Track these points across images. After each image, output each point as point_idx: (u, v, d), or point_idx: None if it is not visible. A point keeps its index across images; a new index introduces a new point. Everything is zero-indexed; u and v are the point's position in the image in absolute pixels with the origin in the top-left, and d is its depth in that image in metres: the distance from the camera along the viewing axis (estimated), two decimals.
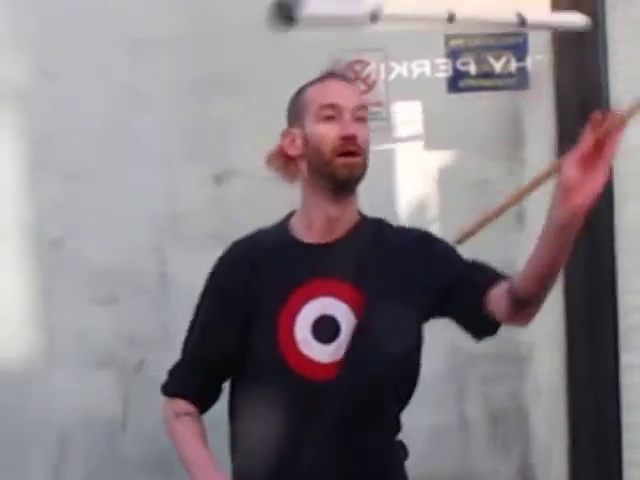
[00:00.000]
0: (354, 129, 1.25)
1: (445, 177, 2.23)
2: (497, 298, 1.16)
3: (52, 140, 2.15)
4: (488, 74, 2.17)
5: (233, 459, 1.33)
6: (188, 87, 2.17)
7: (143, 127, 2.14)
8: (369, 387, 1.24)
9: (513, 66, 2.19)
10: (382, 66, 2.18)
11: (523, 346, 2.18)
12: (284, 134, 1.34)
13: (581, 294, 2.20)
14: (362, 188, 2.03)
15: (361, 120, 1.29)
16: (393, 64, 2.16)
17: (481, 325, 1.24)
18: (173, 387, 1.33)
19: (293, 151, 1.30)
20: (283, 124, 2.00)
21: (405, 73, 2.19)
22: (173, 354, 1.99)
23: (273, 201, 2.04)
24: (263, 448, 1.29)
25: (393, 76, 2.18)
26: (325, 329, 1.25)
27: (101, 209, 2.16)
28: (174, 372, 1.36)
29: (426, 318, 1.32)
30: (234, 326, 1.27)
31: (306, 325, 1.27)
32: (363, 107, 1.33)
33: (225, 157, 2.17)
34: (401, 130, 2.23)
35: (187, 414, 1.31)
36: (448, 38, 2.15)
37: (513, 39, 2.16)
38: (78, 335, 2.16)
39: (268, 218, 2.11)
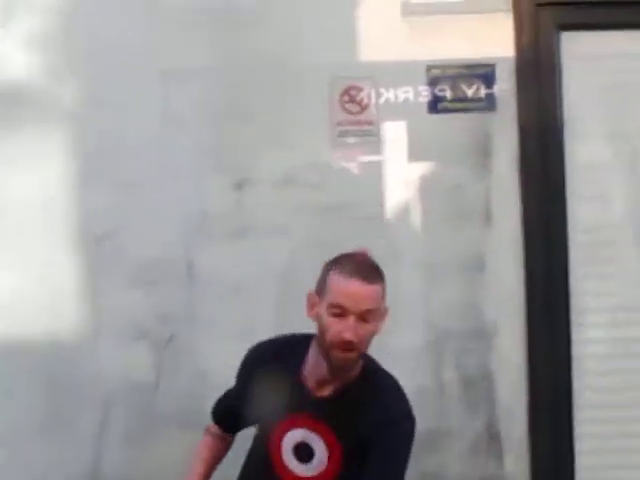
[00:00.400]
0: (351, 335, 1.44)
1: (425, 184, 2.46)
2: None
3: (100, 155, 2.43)
4: (461, 99, 2.45)
5: None
6: (213, 111, 2.46)
7: (176, 144, 2.44)
8: None
9: (482, 92, 2.44)
10: (373, 91, 2.44)
11: (490, 324, 2.41)
12: (308, 297, 1.54)
13: (539, 280, 2.45)
14: (355, 193, 2.41)
15: (365, 321, 1.47)
16: (382, 90, 2.44)
17: None
18: (212, 414, 1.77)
19: (311, 314, 1.52)
20: (287, 142, 2.36)
21: (392, 98, 2.45)
22: (197, 329, 2.36)
23: (280, 204, 2.22)
24: None
25: (382, 100, 2.45)
26: (303, 452, 1.58)
27: (141, 211, 2.44)
28: (217, 402, 1.79)
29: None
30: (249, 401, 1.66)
31: (289, 446, 1.59)
32: (372, 311, 1.48)
33: (243, 169, 2.42)
34: (389, 145, 2.45)
35: (210, 434, 1.78)
36: (429, 68, 2.39)
37: (483, 69, 2.41)
38: (120, 314, 2.44)
39: (277, 218, 2.45)
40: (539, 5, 2.43)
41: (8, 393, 2.47)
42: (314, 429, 1.57)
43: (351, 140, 2.42)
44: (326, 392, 1.57)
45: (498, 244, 2.47)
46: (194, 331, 2.42)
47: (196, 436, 2.23)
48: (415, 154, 2.49)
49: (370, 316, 1.47)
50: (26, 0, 2.51)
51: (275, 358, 1.66)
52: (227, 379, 1.85)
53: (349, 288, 1.48)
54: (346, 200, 2.48)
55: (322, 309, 1.49)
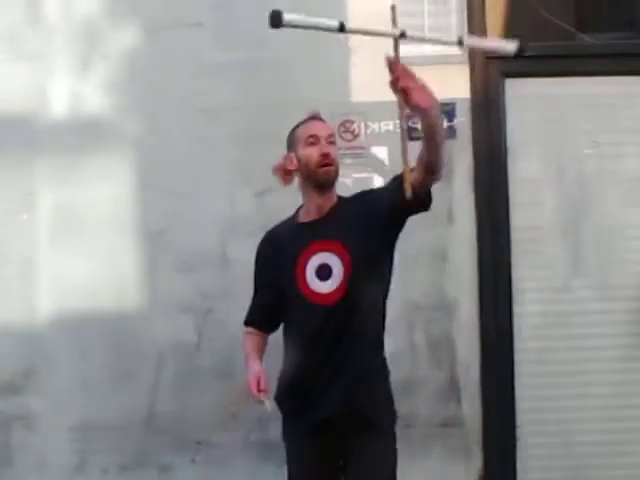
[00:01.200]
0: (328, 149, 1.99)
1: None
2: (415, 175, 1.74)
3: (156, 172, 3.01)
4: None
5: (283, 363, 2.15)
6: (241, 138, 3.00)
7: (213, 163, 3.02)
8: (356, 312, 1.93)
9: (445, 124, 2.95)
10: (363, 124, 3.01)
11: (451, 300, 3.00)
12: (285, 157, 2.05)
13: (488, 267, 3.00)
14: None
15: (332, 143, 2.03)
16: (369, 123, 3.02)
17: (416, 203, 1.77)
18: (245, 320, 2.19)
19: (291, 167, 2.02)
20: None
21: (377, 129, 3.03)
22: (229, 304, 2.93)
23: (292, 207, 2.27)
24: (292, 352, 2.05)
25: (369, 131, 3.02)
26: (323, 271, 1.98)
27: (186, 214, 3.00)
28: (247, 314, 2.19)
29: (395, 228, 1.96)
30: (268, 281, 2.11)
31: (312, 270, 1.99)
32: (332, 135, 2.07)
33: (264, 181, 2.79)
34: (374, 165, 3.02)
35: (249, 332, 2.19)
36: (405, 110, 3.09)
37: (446, 107, 2.92)
38: (170, 292, 2.99)
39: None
40: (488, 58, 2.94)
41: (85, 355, 3.04)
42: (327, 247, 2.00)
43: (347, 161, 2.89)
44: (320, 215, 2.02)
45: (457, 239, 3.05)
46: (226, 305, 2.93)
47: (229, 384, 2.85)
48: (394, 171, 3.02)
49: (333, 139, 2.05)
50: (102, 52, 3.00)
51: (276, 234, 2.16)
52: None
53: (314, 124, 2.05)
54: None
55: (299, 152, 2.01)
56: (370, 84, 2.97)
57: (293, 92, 3.03)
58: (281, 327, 2.11)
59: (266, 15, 1.54)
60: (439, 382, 3.02)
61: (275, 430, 2.27)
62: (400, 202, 1.74)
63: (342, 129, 2.99)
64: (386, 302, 2.07)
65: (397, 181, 1.82)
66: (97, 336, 3.04)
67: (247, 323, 2.20)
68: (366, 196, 2.09)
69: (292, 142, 2.10)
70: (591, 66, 3.03)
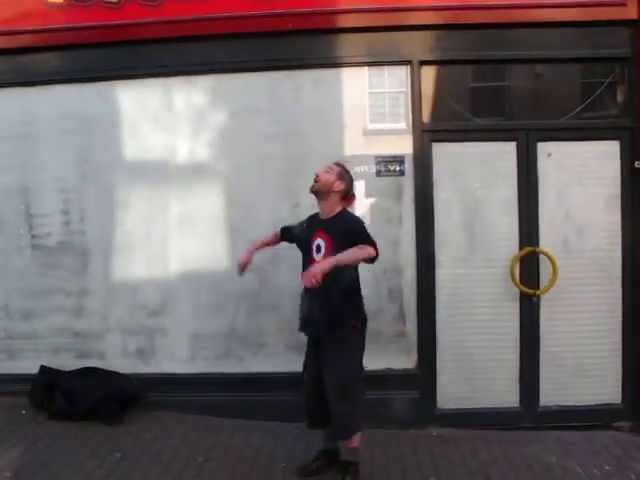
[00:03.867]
0: (318, 172, 3.52)
1: (374, 207, 4.55)
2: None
3: (235, 192, 4.60)
4: (390, 171, 4.52)
5: None
6: (282, 174, 4.57)
7: (267, 188, 4.59)
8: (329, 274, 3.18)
9: (398, 168, 4.51)
10: (353, 167, 4.29)
11: (400, 266, 4.53)
12: None
13: (421, 249, 4.50)
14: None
15: (328, 170, 3.51)
16: (355, 167, 4.39)
17: None
18: (281, 229, 3.85)
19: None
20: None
21: (360, 170, 4.50)
22: (277, 269, 4.55)
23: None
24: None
25: (355, 171, 4.31)
26: (318, 248, 3.47)
27: (250, 218, 4.57)
28: (284, 227, 3.86)
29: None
30: (296, 231, 3.72)
31: (315, 247, 3.48)
32: (329, 167, 3.53)
33: (297, 197, 4.45)
34: (358, 190, 4.26)
35: (274, 233, 3.87)
36: (376, 158, 4.50)
37: (399, 159, 4.49)
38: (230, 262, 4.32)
39: None
40: (423, 131, 4.53)
41: (196, 295, 4.69)
42: (320, 235, 3.47)
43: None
44: (325, 217, 3.51)
45: (405, 234, 4.61)
46: (275, 269, 4.56)
47: (274, 312, 4.56)
48: (370, 194, 4.61)
49: (328, 170, 3.49)
50: (206, 125, 4.62)
51: (312, 217, 3.65)
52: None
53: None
54: None
55: None
56: (354, 145, 4.60)
57: (311, 147, 4.61)
58: None
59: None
60: (394, 312, 4.60)
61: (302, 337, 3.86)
62: None
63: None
64: (354, 273, 3.50)
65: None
66: (203, 285, 4.69)
67: (281, 229, 3.82)
68: (344, 223, 3.46)
69: None
70: (477, 135, 4.59)
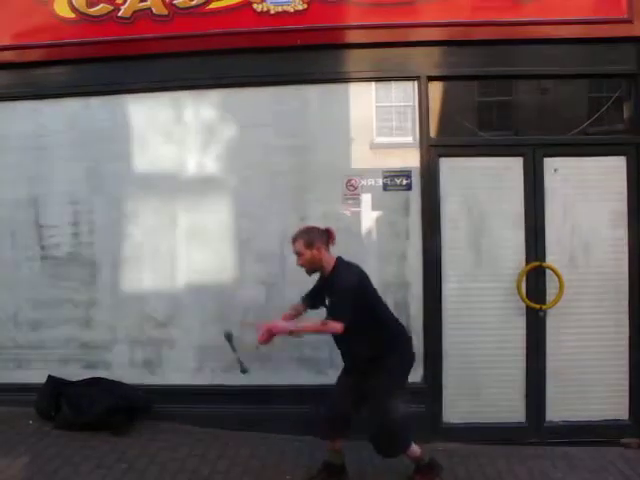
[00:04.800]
0: (299, 262, 3.57)
1: (380, 220, 4.60)
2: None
3: (243, 204, 4.65)
4: (397, 184, 4.58)
5: None
6: (290, 187, 4.63)
7: (275, 201, 4.65)
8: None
9: (405, 182, 4.56)
10: (360, 181, 4.57)
11: (407, 280, 4.59)
12: None
13: (428, 263, 4.53)
14: (349, 223, 4.55)
15: (298, 254, 3.55)
16: (363, 181, 4.57)
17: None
18: (301, 297, 3.82)
19: None
20: (323, 201, 4.60)
21: (367, 184, 4.59)
22: (285, 281, 4.60)
23: None
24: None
25: (363, 184, 4.57)
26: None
27: (260, 229, 4.64)
28: (304, 295, 3.82)
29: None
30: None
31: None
32: (298, 252, 3.55)
33: (302, 212, 4.56)
34: (364, 204, 4.58)
35: (297, 304, 3.83)
36: (383, 172, 4.56)
37: (406, 173, 4.54)
38: (251, 274, 4.66)
39: None
40: (430, 145, 4.57)
41: (203, 307, 4.74)
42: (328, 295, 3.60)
43: (349, 201, 4.59)
44: (327, 275, 3.59)
45: (412, 248, 4.65)
46: (282, 281, 4.61)
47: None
48: (377, 208, 4.68)
49: (299, 254, 3.53)
50: (215, 139, 4.69)
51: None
52: (292, 300, 4.00)
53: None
54: (344, 226, 4.44)
55: None
56: (361, 159, 4.68)
57: (318, 162, 4.70)
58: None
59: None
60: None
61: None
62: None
63: (348, 184, 4.59)
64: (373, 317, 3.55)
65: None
66: (210, 297, 4.74)
67: (302, 298, 3.81)
68: (335, 285, 3.51)
69: None
70: (484, 150, 4.63)
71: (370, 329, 3.54)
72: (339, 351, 3.69)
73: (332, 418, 3.71)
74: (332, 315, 3.45)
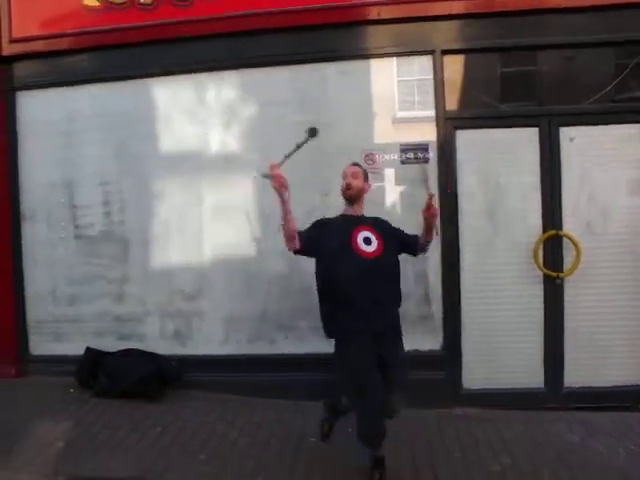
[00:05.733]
0: (349, 180, 3.61)
1: (401, 193, 4.71)
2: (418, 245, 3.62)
3: (265, 182, 4.60)
4: (416, 157, 4.68)
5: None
6: (312, 164, 4.66)
7: (298, 178, 4.24)
8: (387, 264, 3.46)
9: (422, 155, 4.66)
10: (378, 156, 4.69)
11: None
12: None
13: (445, 230, 4.61)
14: (373, 195, 4.19)
15: (355, 178, 3.61)
16: (382, 155, 4.68)
17: (414, 252, 3.69)
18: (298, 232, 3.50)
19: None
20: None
21: (387, 158, 4.71)
22: (311, 260, 4.24)
23: (338, 203, 3.76)
24: (342, 292, 3.36)
25: (382, 159, 4.69)
26: (366, 240, 3.52)
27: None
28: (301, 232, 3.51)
29: (399, 250, 3.62)
30: (316, 236, 3.49)
31: (361, 238, 3.49)
32: (356, 173, 3.63)
33: (325, 188, 4.66)
34: (387, 178, 4.70)
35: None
36: (401, 146, 4.66)
37: (424, 146, 4.63)
38: (274, 246, 4.68)
39: (341, 205, 3.86)
40: (447, 119, 4.66)
41: (229, 280, 4.93)
42: (368, 229, 3.52)
43: (370, 176, 4.42)
44: (359, 214, 3.58)
45: None
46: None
47: (303, 295, 4.64)
48: (396, 181, 4.80)
49: (356, 175, 3.59)
50: (236, 118, 4.84)
51: (331, 219, 3.59)
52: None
53: (347, 168, 3.65)
54: (369, 197, 3.95)
55: (341, 184, 3.61)
56: (381, 134, 4.78)
57: (338, 138, 4.78)
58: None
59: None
60: (420, 295, 4.76)
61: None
62: (407, 250, 3.64)
63: (367, 159, 4.69)
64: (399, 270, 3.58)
65: (411, 240, 3.60)
66: (236, 270, 4.94)
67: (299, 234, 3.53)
68: (384, 223, 3.63)
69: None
70: (499, 122, 4.68)
71: (398, 271, 3.61)
72: (360, 311, 3.41)
73: (381, 417, 3.51)
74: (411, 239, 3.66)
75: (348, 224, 3.56)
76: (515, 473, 3.64)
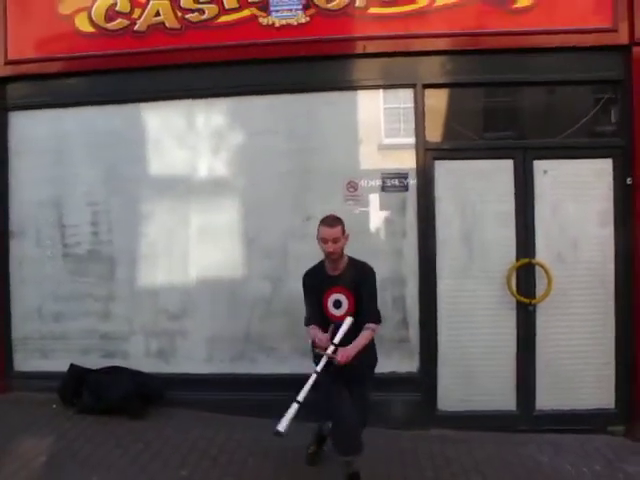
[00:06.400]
0: (330, 248, 3.57)
1: (379, 219, 4.90)
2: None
3: (251, 205, 4.96)
4: (395, 185, 4.86)
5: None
6: (296, 188, 4.92)
7: (281, 202, 4.94)
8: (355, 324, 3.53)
9: (402, 183, 4.85)
10: (361, 182, 4.87)
11: (404, 276, 4.87)
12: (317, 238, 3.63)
13: (424, 259, 4.80)
14: (353, 222, 4.44)
15: (335, 242, 3.55)
16: (363, 182, 4.88)
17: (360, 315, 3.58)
18: (307, 322, 3.73)
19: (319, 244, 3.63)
20: (326, 201, 4.80)
21: (367, 184, 4.89)
22: (288, 276, 4.89)
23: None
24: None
25: (363, 185, 4.87)
26: (336, 304, 3.69)
27: (266, 227, 4.96)
28: (307, 317, 3.73)
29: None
30: (314, 299, 3.68)
31: (331, 302, 3.68)
32: (335, 238, 3.54)
33: (307, 212, 4.84)
34: (365, 204, 4.87)
35: (312, 327, 3.69)
36: (382, 174, 4.86)
37: (404, 174, 4.82)
38: (258, 269, 4.97)
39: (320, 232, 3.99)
40: (426, 149, 4.86)
41: (214, 301, 5.07)
42: (339, 291, 3.65)
43: (350, 202, 4.87)
44: (336, 273, 3.64)
45: (408, 245, 4.94)
46: (286, 276, 4.93)
47: (284, 317, 4.91)
48: (377, 207, 4.97)
49: (337, 240, 3.53)
50: (225, 145, 5.03)
51: (313, 274, 3.70)
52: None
53: (325, 230, 3.57)
54: (349, 225, 3.94)
55: (318, 240, 3.60)
56: (363, 162, 4.98)
57: (322, 164, 5.00)
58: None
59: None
60: (398, 319, 4.92)
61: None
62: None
63: (349, 186, 4.89)
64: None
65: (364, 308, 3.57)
66: (220, 291, 5.09)
67: (310, 323, 3.69)
68: (364, 275, 3.65)
69: (318, 230, 3.66)
70: (476, 153, 4.90)
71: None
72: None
73: (354, 424, 3.70)
74: (367, 310, 3.63)
75: (324, 285, 3.73)
76: None
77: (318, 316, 3.68)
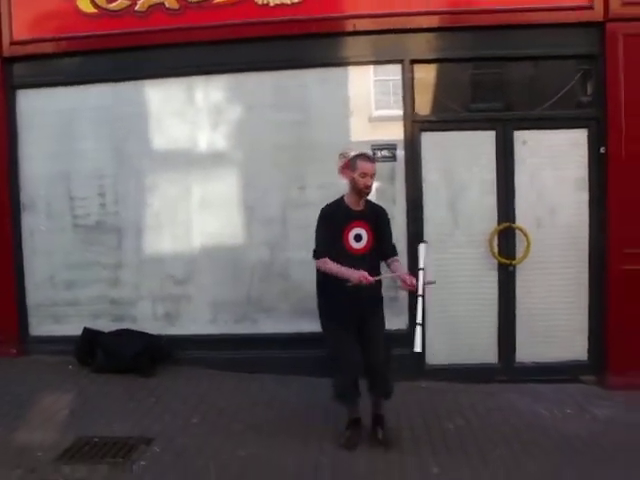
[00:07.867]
0: (370, 182, 3.83)
1: (374, 192, 4.64)
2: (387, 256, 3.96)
3: (249, 176, 5.29)
4: (385, 156, 5.21)
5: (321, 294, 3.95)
6: (291, 160, 5.27)
7: (277, 172, 5.29)
8: (373, 259, 3.86)
9: (392, 154, 5.20)
10: (351, 153, 4.57)
11: (395, 239, 4.51)
12: (345, 167, 3.92)
13: (411, 222, 5.16)
14: (343, 192, 4.39)
15: (372, 177, 3.83)
16: (353, 153, 4.49)
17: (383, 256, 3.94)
18: (321, 254, 3.84)
19: (345, 177, 3.93)
20: (321, 172, 5.19)
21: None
22: (287, 243, 5.34)
23: (319, 196, 4.57)
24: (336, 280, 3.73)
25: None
26: (357, 237, 3.91)
27: (264, 197, 5.30)
28: (317, 249, 3.87)
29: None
30: (332, 231, 3.81)
31: (352, 235, 3.89)
32: (374, 174, 3.84)
33: (302, 182, 5.20)
34: None
35: (327, 260, 3.80)
36: (372, 146, 5.16)
37: (392, 145, 5.16)
38: (258, 236, 5.31)
39: (317, 200, 4.62)
40: (414, 121, 5.23)
41: (216, 267, 5.44)
42: (361, 226, 3.86)
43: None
44: (359, 209, 3.85)
45: (398, 211, 5.24)
46: (285, 243, 5.31)
47: (283, 280, 5.29)
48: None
49: (374, 175, 3.82)
50: (223, 118, 5.35)
51: (336, 207, 3.85)
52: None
53: (369, 165, 3.82)
54: (340, 194, 4.11)
55: (356, 175, 3.77)
56: (358, 133, 5.30)
57: (316, 136, 5.32)
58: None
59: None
60: (388, 279, 4.80)
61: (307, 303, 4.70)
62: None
63: (341, 156, 4.74)
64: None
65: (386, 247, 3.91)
66: (222, 258, 5.45)
67: (323, 255, 3.80)
68: (383, 215, 3.97)
69: (354, 165, 3.81)
70: (460, 125, 5.26)
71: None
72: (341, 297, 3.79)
73: (355, 383, 4.04)
74: (389, 245, 3.99)
75: (345, 219, 3.91)
76: (467, 431, 4.28)
77: (332, 249, 3.83)
